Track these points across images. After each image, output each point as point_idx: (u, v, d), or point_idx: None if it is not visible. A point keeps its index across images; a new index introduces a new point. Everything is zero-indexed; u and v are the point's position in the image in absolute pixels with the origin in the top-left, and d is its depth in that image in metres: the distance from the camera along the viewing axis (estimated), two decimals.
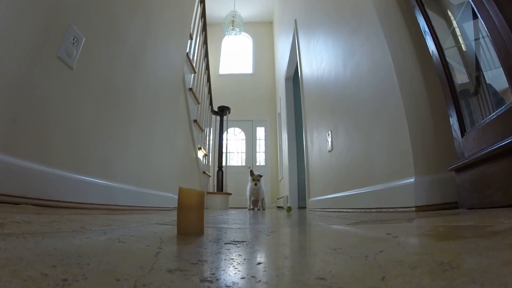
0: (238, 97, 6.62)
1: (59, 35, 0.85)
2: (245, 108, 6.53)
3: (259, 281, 0.22)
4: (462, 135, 0.86)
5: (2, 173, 0.65)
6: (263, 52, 7.25)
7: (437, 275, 0.21)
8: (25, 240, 0.33)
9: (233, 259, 0.31)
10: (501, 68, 0.67)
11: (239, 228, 0.74)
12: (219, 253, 0.35)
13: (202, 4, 3.24)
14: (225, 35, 6.57)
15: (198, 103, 3.10)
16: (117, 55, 1.23)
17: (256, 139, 6.66)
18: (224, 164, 3.96)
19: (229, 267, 0.28)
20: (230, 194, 3.76)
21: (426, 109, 1.04)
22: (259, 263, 0.31)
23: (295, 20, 3.49)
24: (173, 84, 2.06)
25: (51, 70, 0.83)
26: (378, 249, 0.33)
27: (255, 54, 7.30)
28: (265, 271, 0.26)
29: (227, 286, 0.21)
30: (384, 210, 1.14)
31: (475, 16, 0.80)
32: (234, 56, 7.34)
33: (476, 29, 0.85)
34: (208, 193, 3.43)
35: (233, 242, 0.44)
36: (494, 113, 0.72)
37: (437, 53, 0.95)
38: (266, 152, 6.55)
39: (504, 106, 0.68)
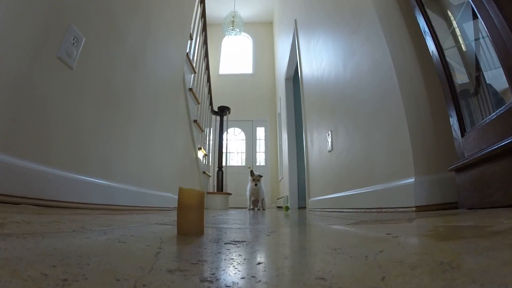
0: (238, 97, 6.62)
1: (59, 35, 0.85)
2: (245, 108, 6.53)
3: (259, 281, 0.22)
4: (462, 135, 0.86)
5: (2, 173, 0.65)
6: (263, 52, 7.25)
7: (437, 275, 0.21)
8: (25, 240, 0.33)
9: (233, 259, 0.31)
10: (501, 68, 0.67)
11: (239, 228, 0.74)
12: (219, 253, 0.35)
13: (202, 4, 3.24)
14: (225, 35, 6.57)
15: (198, 103, 3.10)
16: (117, 55, 1.23)
17: (256, 139, 6.66)
18: (224, 164, 3.96)
19: (229, 267, 0.28)
20: (230, 194, 3.76)
21: (426, 109, 1.04)
22: (259, 263, 0.31)
23: (295, 20, 3.49)
24: (173, 84, 2.06)
25: (51, 70, 0.83)
26: (378, 249, 0.33)
27: (255, 54, 7.30)
28: (265, 271, 0.26)
29: (227, 286, 0.21)
30: (384, 210, 1.14)
31: (475, 16, 0.80)
32: (234, 56, 7.34)
33: (476, 29, 0.85)
34: (208, 193, 3.43)
35: (233, 242, 0.44)
36: (494, 113, 0.72)
37: (437, 53, 0.95)
38: (266, 152, 6.55)
39: (504, 106, 0.68)
